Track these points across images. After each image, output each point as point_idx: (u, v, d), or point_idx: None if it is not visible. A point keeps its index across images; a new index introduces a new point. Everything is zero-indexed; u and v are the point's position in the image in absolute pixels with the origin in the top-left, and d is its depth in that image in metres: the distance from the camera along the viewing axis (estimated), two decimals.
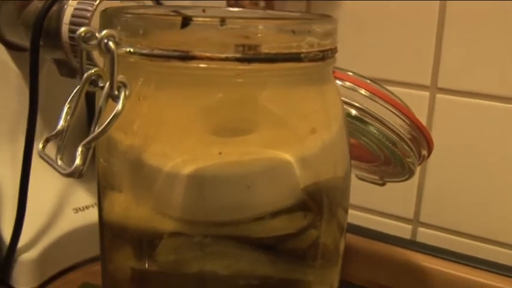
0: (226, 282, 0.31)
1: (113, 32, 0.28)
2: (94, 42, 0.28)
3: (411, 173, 0.42)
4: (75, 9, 0.46)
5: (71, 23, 0.46)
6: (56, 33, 0.47)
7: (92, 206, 0.57)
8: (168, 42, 0.28)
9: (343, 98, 0.40)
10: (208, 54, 0.27)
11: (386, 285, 0.56)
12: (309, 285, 0.33)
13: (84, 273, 0.55)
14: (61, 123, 0.30)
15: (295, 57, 0.29)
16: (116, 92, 0.28)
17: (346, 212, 0.34)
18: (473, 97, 0.52)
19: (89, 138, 0.28)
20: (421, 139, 0.41)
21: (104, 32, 0.27)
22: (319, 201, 0.31)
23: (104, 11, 0.31)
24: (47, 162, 0.29)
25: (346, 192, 0.34)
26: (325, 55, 0.30)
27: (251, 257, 0.31)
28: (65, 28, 0.46)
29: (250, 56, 0.28)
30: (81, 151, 0.27)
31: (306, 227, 0.31)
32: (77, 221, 0.56)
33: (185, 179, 0.29)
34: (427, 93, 0.54)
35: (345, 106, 0.39)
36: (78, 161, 0.27)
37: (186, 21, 0.27)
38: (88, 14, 0.45)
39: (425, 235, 0.58)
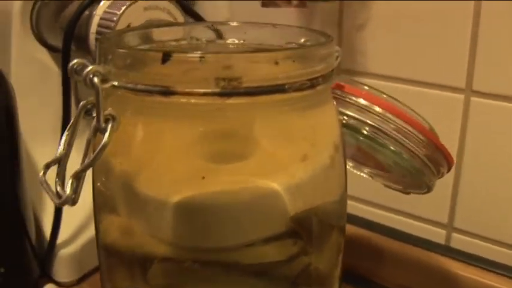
0: None
1: (99, 68, 0.28)
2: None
3: (429, 189, 0.41)
4: (101, 19, 0.47)
5: (97, 33, 0.47)
6: (85, 40, 0.49)
7: None
8: (152, 76, 0.28)
9: (355, 115, 0.39)
10: (187, 90, 0.28)
11: None
12: None
13: None
14: (60, 150, 0.31)
15: (278, 89, 0.28)
16: (103, 125, 0.29)
17: (343, 234, 0.34)
18: (509, 101, 0.50)
19: (78, 169, 0.29)
20: (439, 157, 0.40)
21: (89, 68, 0.28)
22: (310, 228, 0.31)
23: (101, 41, 0.31)
24: (44, 189, 0.30)
25: (342, 216, 0.34)
26: (315, 83, 0.30)
27: (240, 282, 0.31)
28: (92, 37, 0.47)
29: (230, 90, 0.28)
30: (71, 182, 0.28)
31: (297, 254, 0.31)
32: None
33: (173, 207, 0.30)
34: (462, 96, 0.52)
35: (357, 123, 0.39)
36: (68, 192, 0.28)
37: (166, 57, 0.27)
38: (112, 25, 0.46)
39: (459, 241, 0.56)
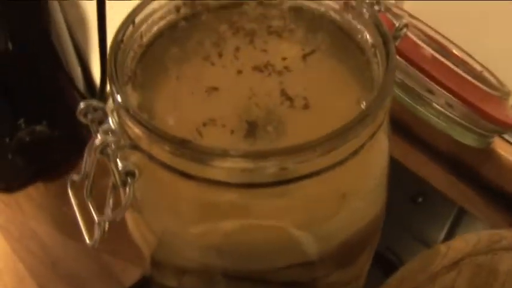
0: None
1: (109, 138, 0.25)
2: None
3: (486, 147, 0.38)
4: None
5: None
6: None
7: None
8: (169, 154, 0.25)
9: (408, 83, 0.34)
10: (207, 178, 0.24)
11: None
12: None
13: None
14: (84, 170, 0.30)
15: (316, 173, 0.25)
16: (124, 180, 0.27)
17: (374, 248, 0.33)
18: None
19: (101, 221, 0.28)
20: (497, 129, 0.35)
21: (99, 141, 0.25)
22: (339, 257, 0.31)
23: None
24: (75, 213, 0.30)
25: (375, 234, 0.32)
26: (359, 150, 0.26)
27: None
28: None
29: (257, 181, 0.24)
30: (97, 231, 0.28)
31: (323, 276, 0.31)
32: None
33: (195, 238, 0.29)
34: None
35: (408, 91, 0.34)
36: (97, 236, 0.28)
37: (182, 145, 0.24)
38: None
39: None
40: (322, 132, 0.24)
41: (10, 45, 0.44)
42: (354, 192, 0.29)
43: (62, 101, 0.52)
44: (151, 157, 0.25)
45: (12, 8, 0.43)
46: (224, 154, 0.23)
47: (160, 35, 0.30)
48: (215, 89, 0.28)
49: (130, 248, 0.46)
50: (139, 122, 0.25)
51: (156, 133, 0.24)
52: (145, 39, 0.29)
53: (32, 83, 0.49)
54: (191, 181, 0.25)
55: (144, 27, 0.29)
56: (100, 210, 0.29)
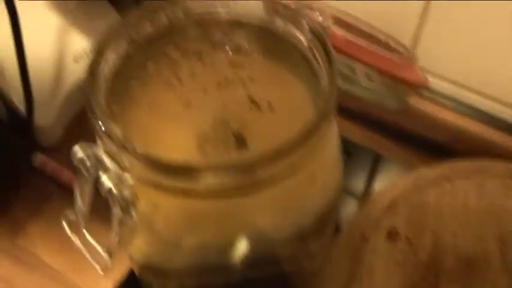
0: None
1: (116, 178, 0.28)
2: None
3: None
4: None
5: None
6: None
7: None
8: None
9: None
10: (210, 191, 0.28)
11: None
12: None
13: None
14: (82, 208, 0.32)
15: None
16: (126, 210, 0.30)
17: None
18: None
19: (111, 248, 0.31)
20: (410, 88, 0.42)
21: (108, 183, 0.28)
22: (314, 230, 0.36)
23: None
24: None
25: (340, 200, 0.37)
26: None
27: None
28: None
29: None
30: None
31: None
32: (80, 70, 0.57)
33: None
34: None
35: None
36: (108, 261, 0.31)
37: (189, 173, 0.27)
38: None
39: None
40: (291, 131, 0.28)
41: None
42: (321, 169, 0.33)
43: None
44: (156, 185, 0.28)
45: None
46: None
47: (118, 70, 0.32)
48: (190, 107, 0.31)
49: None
50: (142, 157, 0.27)
51: (158, 163, 0.27)
52: (108, 73, 0.32)
53: None
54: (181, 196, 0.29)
55: (105, 62, 0.32)
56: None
